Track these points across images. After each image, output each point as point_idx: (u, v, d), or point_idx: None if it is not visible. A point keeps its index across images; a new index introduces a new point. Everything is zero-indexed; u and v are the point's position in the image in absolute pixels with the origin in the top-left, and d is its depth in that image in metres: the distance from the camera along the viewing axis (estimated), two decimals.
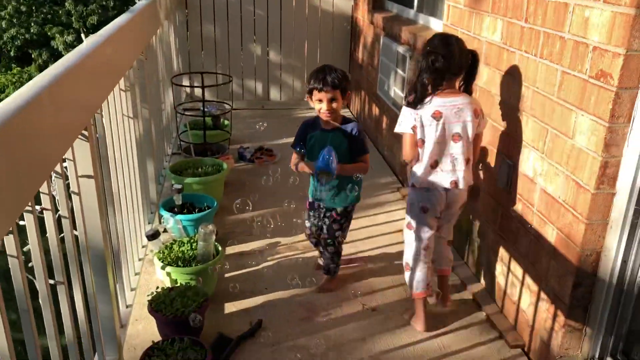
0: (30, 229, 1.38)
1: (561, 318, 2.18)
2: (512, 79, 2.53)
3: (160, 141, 3.85)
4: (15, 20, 15.44)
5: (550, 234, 2.25)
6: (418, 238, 2.54)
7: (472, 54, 2.42)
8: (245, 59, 5.76)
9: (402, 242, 3.27)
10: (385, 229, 3.48)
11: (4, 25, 15.63)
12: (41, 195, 1.51)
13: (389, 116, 4.46)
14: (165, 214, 2.96)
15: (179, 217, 2.96)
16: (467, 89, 2.45)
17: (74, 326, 1.70)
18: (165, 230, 3.10)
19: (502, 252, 2.65)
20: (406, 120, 2.41)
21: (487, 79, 2.77)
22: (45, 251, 1.56)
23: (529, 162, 2.40)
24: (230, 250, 3.18)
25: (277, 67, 5.83)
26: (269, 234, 3.34)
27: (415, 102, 2.37)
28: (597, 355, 2.16)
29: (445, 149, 2.40)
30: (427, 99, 2.36)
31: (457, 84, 2.43)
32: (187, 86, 4.90)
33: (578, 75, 2.04)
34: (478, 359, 2.41)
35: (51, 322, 1.51)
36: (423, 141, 2.40)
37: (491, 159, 2.74)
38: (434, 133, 2.36)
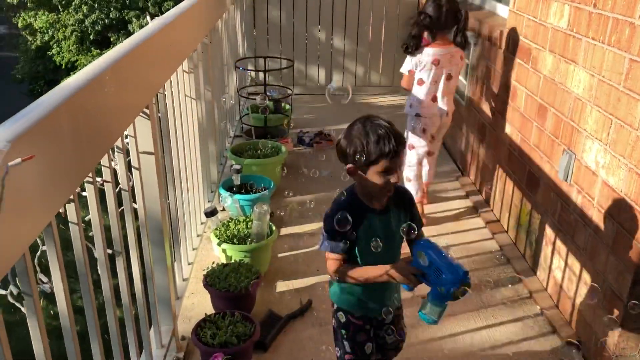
0: (90, 199, 1.47)
1: (618, 316, 2.10)
2: (577, 68, 2.43)
3: (222, 123, 3.95)
4: (96, 6, 16.17)
5: (610, 229, 2.16)
6: (416, 154, 3.28)
7: (461, 12, 3.05)
8: (310, 44, 5.80)
9: (457, 232, 3.28)
10: (441, 218, 3.44)
11: (85, 11, 16.37)
12: (102, 168, 1.60)
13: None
14: (224, 193, 3.05)
15: (237, 196, 3.05)
16: (461, 41, 3.09)
17: (130, 294, 1.80)
18: (224, 209, 3.20)
19: (560, 246, 2.58)
20: (406, 65, 3.18)
21: (552, 67, 2.67)
22: (106, 226, 1.66)
23: (591, 153, 2.31)
24: (284, 231, 3.24)
25: (340, 52, 5.84)
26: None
27: (411, 51, 3.10)
28: None
29: (440, 87, 3.14)
30: (426, 50, 3.07)
31: (450, 36, 3.09)
32: (250, 70, 4.98)
33: None
34: (529, 353, 2.36)
35: (108, 289, 1.60)
36: (423, 80, 3.13)
37: (553, 150, 2.66)
38: (433, 75, 3.10)
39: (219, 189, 3.18)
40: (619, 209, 2.11)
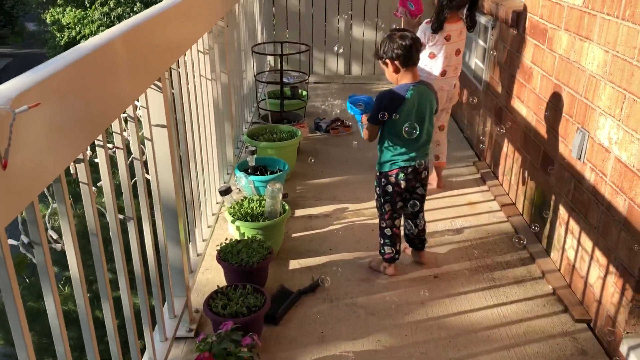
0: (101, 162, 1.52)
1: (629, 292, 2.09)
2: (591, 45, 2.41)
3: (240, 108, 4.00)
4: (122, 0, 16.43)
5: (622, 205, 2.14)
6: None
7: None
8: (329, 33, 5.81)
9: (473, 215, 3.27)
10: (457, 202, 3.44)
11: (112, 5, 16.63)
12: (114, 135, 1.65)
13: (470, 89, 4.36)
14: (239, 174, 3.10)
15: (251, 177, 3.09)
16: (472, 19, 3.31)
17: (142, 261, 1.84)
18: (239, 191, 3.24)
19: (573, 225, 2.56)
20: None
21: (567, 46, 2.65)
22: (119, 196, 1.70)
23: (604, 130, 2.29)
24: (299, 212, 3.28)
25: (359, 41, 5.84)
26: (338, 200, 3.42)
27: (437, 29, 3.24)
28: None
29: (451, 61, 3.31)
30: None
31: (462, 13, 3.30)
32: (265, 54, 4.99)
33: None
34: (539, 331, 2.36)
35: (119, 253, 1.65)
36: (435, 54, 3.30)
37: (567, 129, 2.64)
38: (445, 50, 3.27)
39: (235, 170, 3.22)
40: (630, 184, 2.09)
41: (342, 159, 4.02)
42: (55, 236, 1.36)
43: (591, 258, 2.38)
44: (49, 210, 1.36)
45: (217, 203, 3.13)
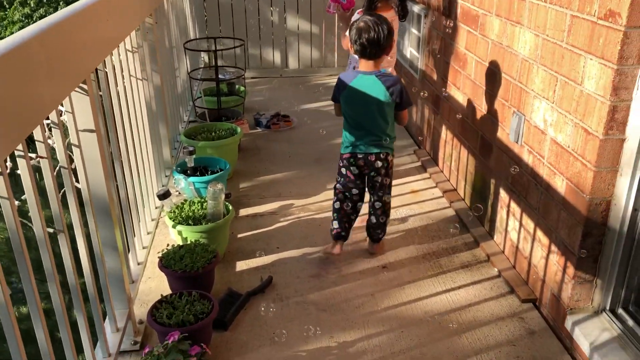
0: (23, 172, 1.41)
1: (571, 270, 2.14)
2: (522, 29, 2.45)
3: (175, 107, 3.87)
4: (45, 0, 15.66)
5: (560, 185, 2.19)
6: None
7: None
8: (263, 26, 5.72)
9: (416, 203, 3.29)
10: (398, 190, 3.45)
11: (32, 5, 15.85)
12: (37, 144, 1.53)
13: (406, 78, 4.39)
14: (177, 176, 2.98)
15: (191, 179, 2.98)
16: (404, 8, 3.31)
17: (77, 275, 1.73)
18: (179, 193, 3.13)
19: (514, 207, 2.61)
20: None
21: (499, 31, 2.69)
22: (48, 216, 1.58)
23: (539, 113, 2.34)
24: (243, 212, 3.20)
25: (294, 33, 5.78)
26: (283, 197, 3.36)
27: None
28: (608, 307, 2.12)
29: None
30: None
31: (392, 2, 3.27)
32: (198, 50, 4.85)
33: (587, 17, 1.96)
34: (488, 314, 2.39)
35: (50, 267, 1.54)
36: None
37: (503, 114, 2.68)
38: None
39: (173, 172, 3.11)
40: (567, 164, 2.14)
41: (284, 154, 3.97)
42: None
43: (533, 239, 2.43)
44: None
45: (156, 208, 3.01)
